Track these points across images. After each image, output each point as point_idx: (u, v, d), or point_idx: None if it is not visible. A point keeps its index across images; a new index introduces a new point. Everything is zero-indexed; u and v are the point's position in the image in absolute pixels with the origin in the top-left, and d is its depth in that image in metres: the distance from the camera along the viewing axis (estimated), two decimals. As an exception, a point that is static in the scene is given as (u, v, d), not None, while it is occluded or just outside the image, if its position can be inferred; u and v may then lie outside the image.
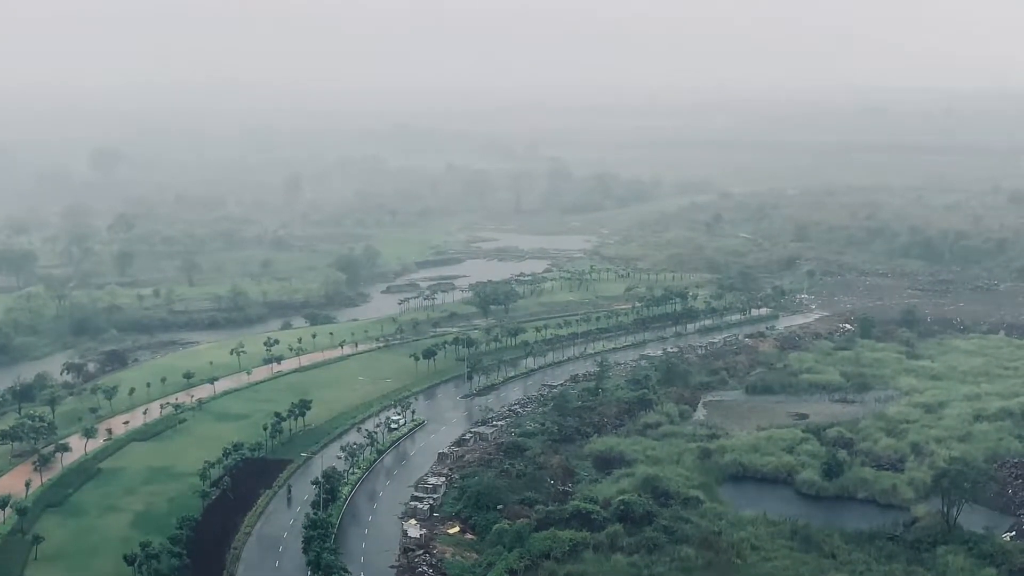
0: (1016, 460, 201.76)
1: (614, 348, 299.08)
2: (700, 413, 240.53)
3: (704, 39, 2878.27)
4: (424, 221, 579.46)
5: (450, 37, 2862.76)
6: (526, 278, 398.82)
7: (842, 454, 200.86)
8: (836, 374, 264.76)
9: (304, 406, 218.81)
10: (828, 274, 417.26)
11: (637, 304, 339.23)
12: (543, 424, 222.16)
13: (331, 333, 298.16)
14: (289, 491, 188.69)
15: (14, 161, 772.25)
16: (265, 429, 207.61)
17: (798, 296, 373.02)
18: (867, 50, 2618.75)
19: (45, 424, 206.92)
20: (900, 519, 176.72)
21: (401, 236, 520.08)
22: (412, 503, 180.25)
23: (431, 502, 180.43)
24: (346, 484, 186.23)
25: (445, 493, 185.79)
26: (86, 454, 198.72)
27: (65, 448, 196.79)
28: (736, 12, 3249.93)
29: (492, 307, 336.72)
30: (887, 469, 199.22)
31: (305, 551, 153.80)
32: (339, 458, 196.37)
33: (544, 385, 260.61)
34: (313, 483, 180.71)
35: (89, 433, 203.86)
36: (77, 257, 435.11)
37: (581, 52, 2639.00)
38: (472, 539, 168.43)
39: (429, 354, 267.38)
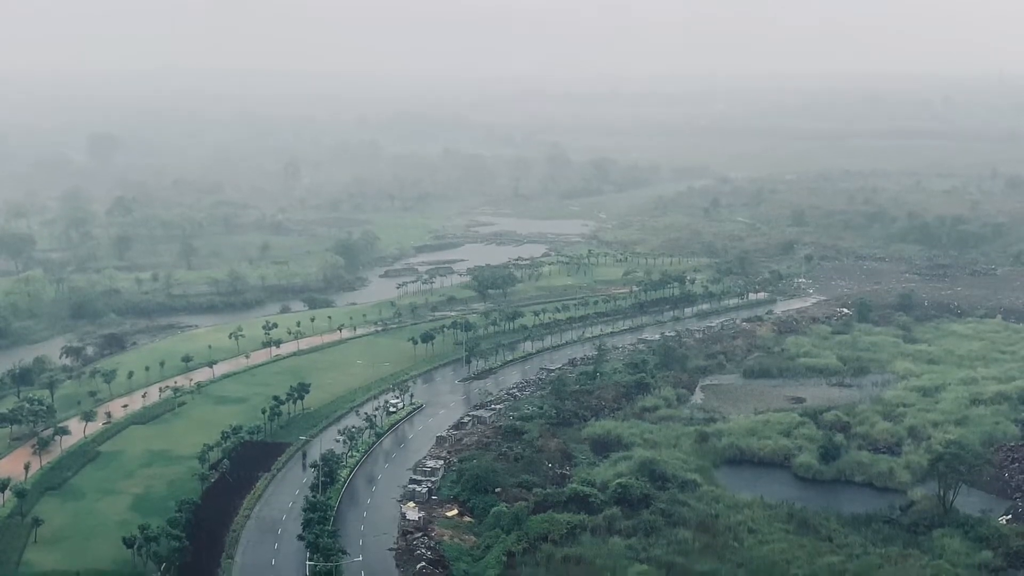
0: (1012, 444, 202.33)
1: (612, 332, 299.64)
2: (697, 397, 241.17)
3: (702, 27, 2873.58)
4: (422, 206, 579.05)
5: (447, 25, 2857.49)
6: (524, 262, 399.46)
7: (839, 438, 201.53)
8: (833, 358, 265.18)
9: (303, 389, 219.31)
10: (825, 258, 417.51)
11: (635, 288, 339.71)
12: (541, 408, 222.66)
13: (329, 317, 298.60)
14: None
15: (12, 146, 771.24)
16: (264, 412, 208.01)
17: (796, 280, 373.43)
18: (863, 38, 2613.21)
19: (44, 407, 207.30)
20: (896, 502, 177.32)
21: (399, 221, 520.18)
22: (410, 486, 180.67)
23: (429, 485, 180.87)
24: (345, 467, 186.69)
25: (443, 476, 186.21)
26: (85, 437, 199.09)
27: (64, 431, 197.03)
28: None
29: (490, 291, 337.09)
30: (884, 453, 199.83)
31: (304, 534, 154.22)
32: (337, 441, 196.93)
33: (542, 369, 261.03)
34: (312, 466, 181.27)
35: (88, 416, 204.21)
36: (75, 241, 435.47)
37: (579, 40, 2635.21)
38: (470, 522, 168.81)
39: (427, 338, 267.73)
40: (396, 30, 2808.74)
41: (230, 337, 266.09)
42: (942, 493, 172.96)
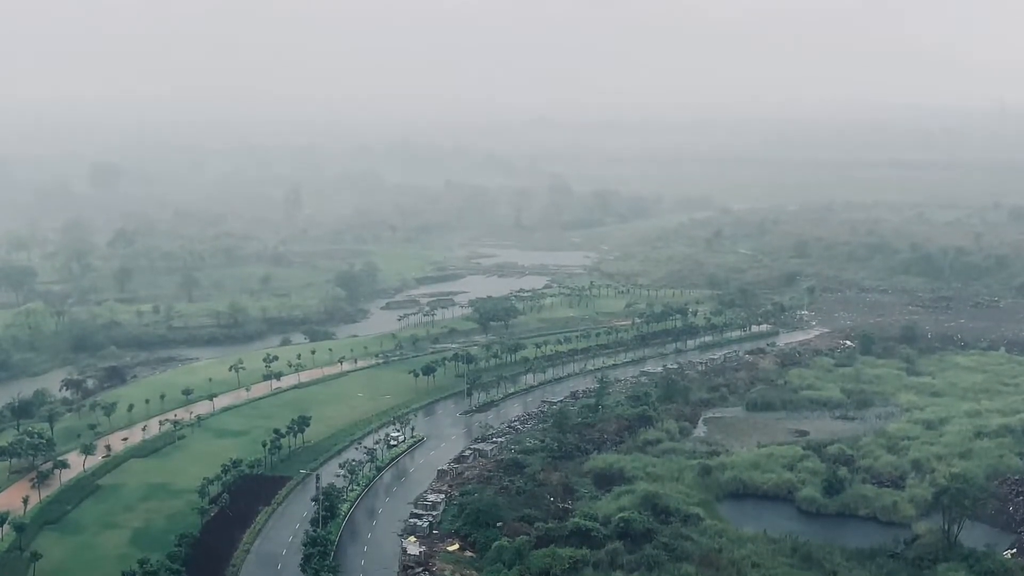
0: (1017, 477, 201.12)
1: (614, 364, 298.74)
2: (700, 430, 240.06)
3: (700, 55, 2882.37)
4: (424, 237, 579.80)
5: (449, 54, 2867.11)
6: (526, 294, 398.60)
7: (843, 471, 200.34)
8: (836, 391, 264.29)
9: (303, 422, 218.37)
10: (828, 290, 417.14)
11: (637, 320, 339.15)
12: (543, 441, 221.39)
13: (330, 349, 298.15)
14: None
15: (13, 176, 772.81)
16: (264, 446, 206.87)
17: (798, 312, 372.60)
18: (865, 69, 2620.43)
19: (44, 440, 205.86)
20: (901, 536, 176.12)
21: (401, 252, 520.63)
22: (411, 520, 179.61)
23: (430, 519, 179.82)
24: (345, 501, 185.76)
25: (444, 510, 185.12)
26: (84, 471, 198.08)
27: (64, 465, 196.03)
28: (735, 28, 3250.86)
29: (492, 323, 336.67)
30: (888, 486, 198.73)
31: (304, 568, 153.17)
32: (338, 475, 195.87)
33: (544, 401, 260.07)
34: (312, 500, 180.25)
35: (88, 450, 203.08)
36: (76, 273, 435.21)
37: (579, 69, 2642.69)
38: (472, 556, 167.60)
39: (428, 370, 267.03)
40: (393, 57, 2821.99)
41: (230, 370, 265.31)
42: (946, 527, 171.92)
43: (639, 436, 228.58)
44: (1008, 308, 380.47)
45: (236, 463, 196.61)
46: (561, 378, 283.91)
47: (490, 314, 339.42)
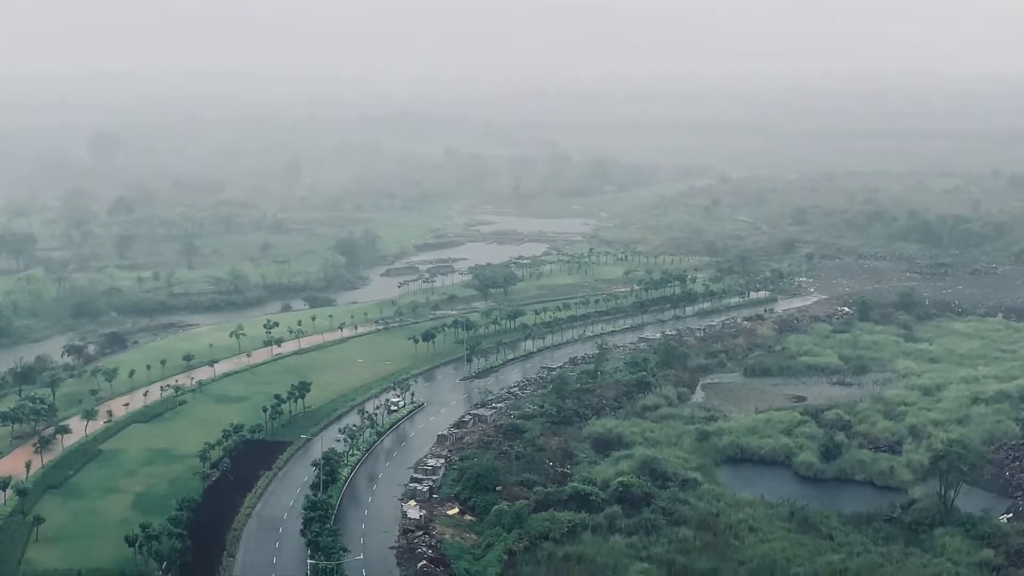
0: (1013, 442, 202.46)
1: (613, 331, 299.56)
2: (698, 395, 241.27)
3: (699, 29, 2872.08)
4: (423, 205, 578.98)
5: (449, 25, 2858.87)
6: (525, 261, 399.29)
7: (840, 436, 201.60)
8: (834, 357, 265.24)
9: (304, 388, 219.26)
10: (827, 257, 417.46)
11: (636, 287, 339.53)
12: (542, 406, 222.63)
13: (331, 316, 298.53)
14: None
15: (14, 146, 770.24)
16: (265, 411, 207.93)
17: (796, 279, 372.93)
18: (864, 37, 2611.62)
19: (45, 406, 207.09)
20: (897, 501, 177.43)
21: (400, 220, 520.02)
22: (411, 485, 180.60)
23: (430, 484, 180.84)
24: (346, 466, 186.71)
25: (444, 475, 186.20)
26: (86, 436, 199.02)
27: (65, 430, 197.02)
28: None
29: (491, 290, 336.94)
30: (885, 451, 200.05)
31: (304, 532, 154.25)
32: (339, 440, 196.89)
33: (543, 367, 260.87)
34: (313, 465, 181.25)
35: (89, 415, 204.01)
36: (77, 240, 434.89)
37: (578, 42, 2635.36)
38: (471, 520, 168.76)
39: (428, 336, 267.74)
40: (394, 28, 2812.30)
41: (231, 336, 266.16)
42: (943, 492, 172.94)
43: (638, 402, 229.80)
44: (1006, 275, 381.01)
45: (237, 428, 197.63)
46: (560, 344, 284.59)
47: (489, 281, 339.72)
